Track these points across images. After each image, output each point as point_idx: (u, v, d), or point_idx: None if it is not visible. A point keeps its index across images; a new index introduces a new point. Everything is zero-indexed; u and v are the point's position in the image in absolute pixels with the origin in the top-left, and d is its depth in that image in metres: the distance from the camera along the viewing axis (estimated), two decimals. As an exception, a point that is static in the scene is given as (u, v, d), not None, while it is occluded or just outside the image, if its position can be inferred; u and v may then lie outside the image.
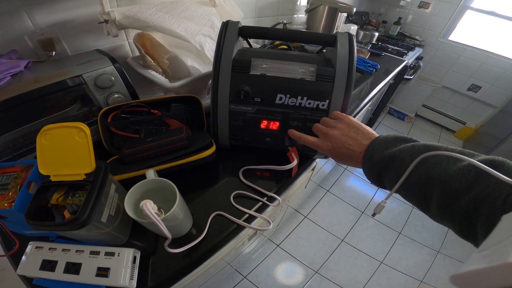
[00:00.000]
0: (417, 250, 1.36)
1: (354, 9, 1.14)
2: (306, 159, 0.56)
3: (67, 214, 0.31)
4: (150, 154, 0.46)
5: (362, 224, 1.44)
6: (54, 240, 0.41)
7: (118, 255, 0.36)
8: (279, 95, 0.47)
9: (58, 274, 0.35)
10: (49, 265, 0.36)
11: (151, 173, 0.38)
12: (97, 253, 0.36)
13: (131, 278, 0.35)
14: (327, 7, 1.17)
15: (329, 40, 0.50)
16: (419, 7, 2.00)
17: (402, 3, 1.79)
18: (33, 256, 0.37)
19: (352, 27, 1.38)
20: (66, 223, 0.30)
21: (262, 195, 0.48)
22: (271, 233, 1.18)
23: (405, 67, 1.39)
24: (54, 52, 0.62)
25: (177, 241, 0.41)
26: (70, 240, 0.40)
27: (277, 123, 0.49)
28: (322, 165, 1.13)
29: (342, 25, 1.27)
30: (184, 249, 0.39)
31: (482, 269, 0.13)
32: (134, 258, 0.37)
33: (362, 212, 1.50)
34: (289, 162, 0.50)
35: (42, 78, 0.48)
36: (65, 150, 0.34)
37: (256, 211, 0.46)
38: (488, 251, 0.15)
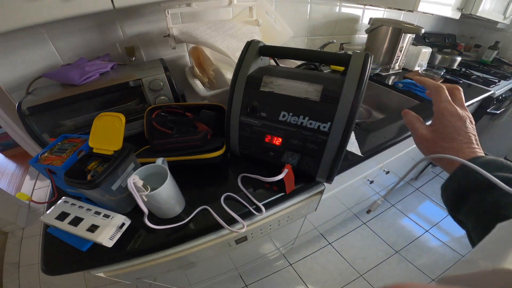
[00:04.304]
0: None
1: (423, 30, 1.03)
2: (309, 180, 0.55)
3: (89, 177, 0.42)
4: (171, 147, 0.56)
5: (391, 264, 1.24)
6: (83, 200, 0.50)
7: (111, 218, 0.44)
8: (282, 112, 0.49)
9: (64, 224, 0.43)
10: (63, 216, 0.44)
11: (159, 161, 0.47)
12: (99, 213, 0.45)
13: (111, 238, 0.42)
14: (390, 28, 1.09)
15: (342, 60, 0.48)
16: (526, 29, 1.59)
17: (499, 25, 1.47)
18: (58, 207, 0.47)
19: (424, 50, 1.23)
20: (83, 183, 0.40)
21: (252, 203, 0.51)
22: (286, 250, 1.15)
23: (489, 98, 1.14)
24: (134, 58, 0.82)
25: (164, 221, 0.47)
26: (92, 202, 0.48)
27: (280, 139, 0.52)
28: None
29: (408, 47, 1.16)
30: (161, 227, 0.44)
31: (470, 274, 0.14)
32: (123, 224, 0.45)
33: (396, 252, 1.28)
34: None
35: (116, 79, 0.65)
36: (107, 131, 0.46)
37: (241, 215, 0.49)
38: (477, 257, 0.15)
